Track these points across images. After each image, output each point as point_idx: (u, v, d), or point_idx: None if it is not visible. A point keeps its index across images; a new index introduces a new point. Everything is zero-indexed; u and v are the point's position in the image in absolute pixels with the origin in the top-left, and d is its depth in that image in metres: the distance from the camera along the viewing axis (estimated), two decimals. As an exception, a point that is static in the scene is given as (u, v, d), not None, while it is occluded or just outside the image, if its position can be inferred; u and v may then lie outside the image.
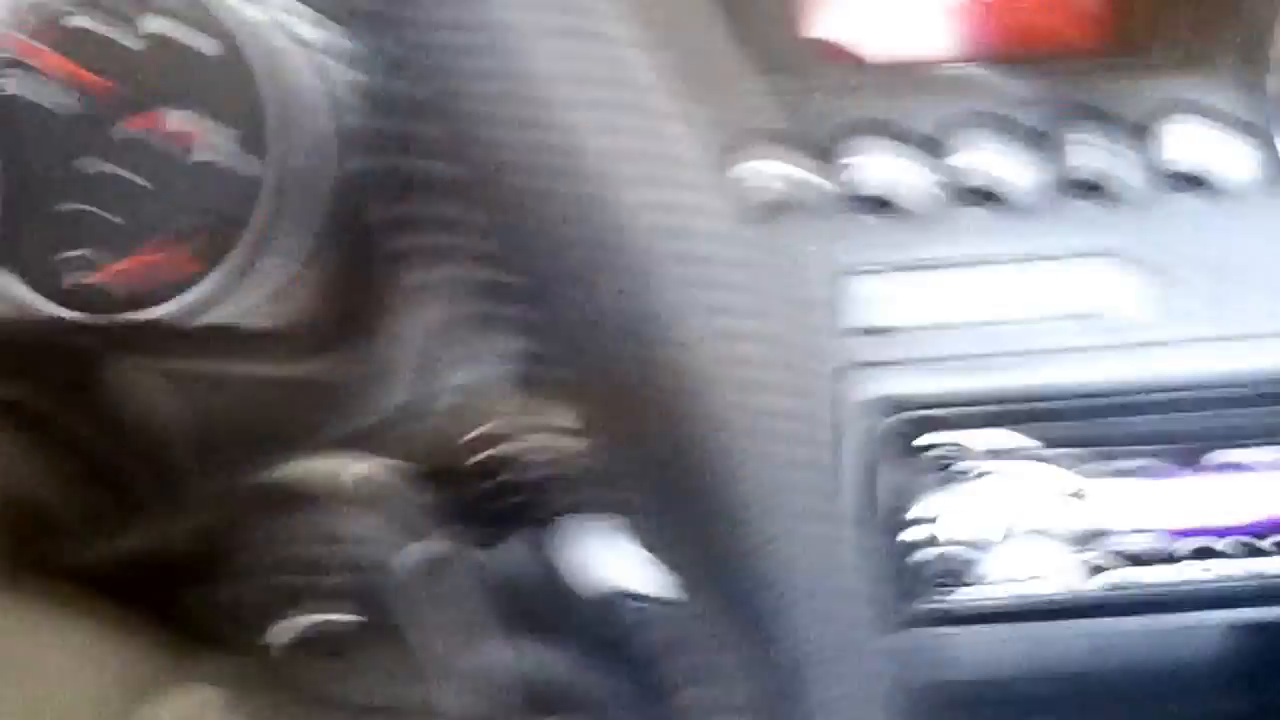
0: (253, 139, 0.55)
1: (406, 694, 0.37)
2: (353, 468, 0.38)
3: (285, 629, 0.37)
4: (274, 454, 0.40)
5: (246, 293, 0.55)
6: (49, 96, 0.55)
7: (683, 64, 0.28)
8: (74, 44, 0.55)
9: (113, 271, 0.55)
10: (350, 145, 0.55)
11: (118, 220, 0.55)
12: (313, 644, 0.37)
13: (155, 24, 0.55)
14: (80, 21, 0.55)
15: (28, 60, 0.54)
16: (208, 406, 0.51)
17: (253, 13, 0.56)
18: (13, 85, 0.54)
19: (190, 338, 0.54)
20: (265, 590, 0.37)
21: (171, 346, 0.52)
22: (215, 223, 0.55)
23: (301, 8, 0.56)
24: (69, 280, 0.55)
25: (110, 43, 0.55)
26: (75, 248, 0.55)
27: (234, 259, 0.55)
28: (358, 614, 0.37)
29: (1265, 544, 0.55)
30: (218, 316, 0.56)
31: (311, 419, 0.52)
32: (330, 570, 0.37)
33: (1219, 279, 0.53)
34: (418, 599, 0.37)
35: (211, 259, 0.55)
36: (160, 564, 0.39)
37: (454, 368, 0.51)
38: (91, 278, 0.55)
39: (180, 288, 0.54)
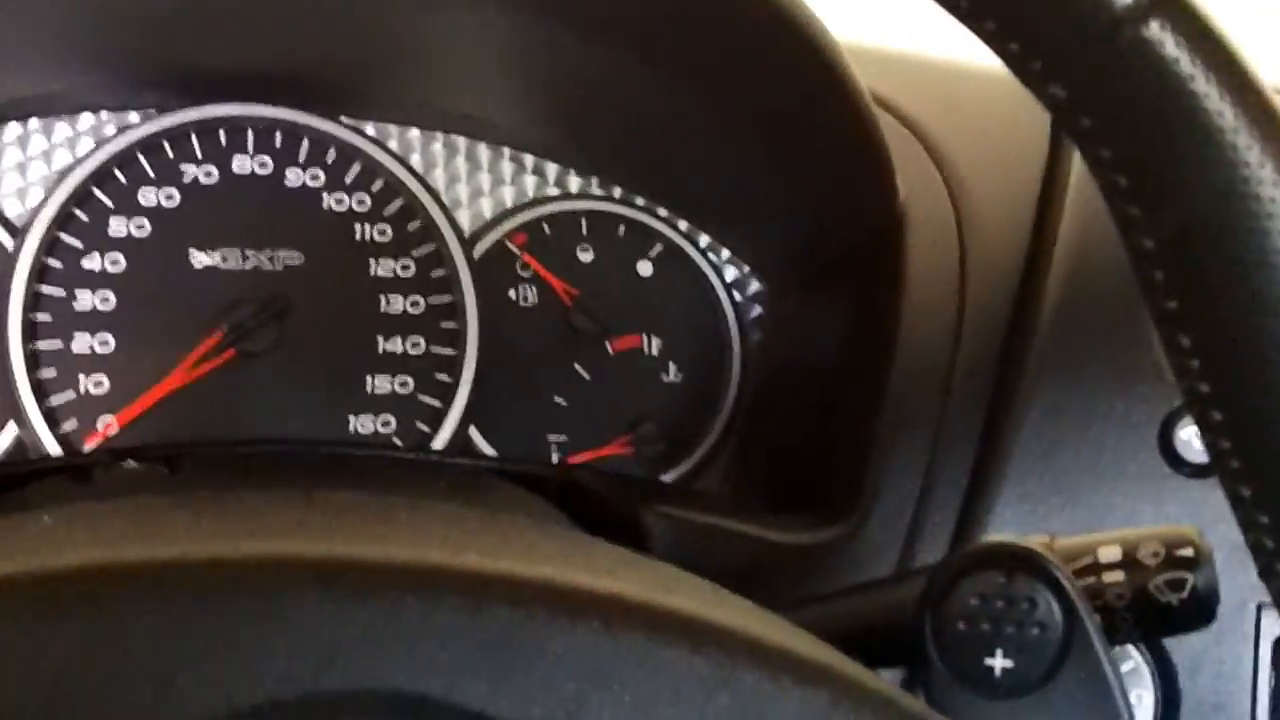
0: (674, 350, 0.62)
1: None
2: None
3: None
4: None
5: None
6: (524, 293, 0.62)
7: None
8: (543, 249, 0.62)
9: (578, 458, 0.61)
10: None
11: (585, 416, 0.61)
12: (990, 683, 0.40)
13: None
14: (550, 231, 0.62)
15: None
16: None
17: (683, 244, 0.63)
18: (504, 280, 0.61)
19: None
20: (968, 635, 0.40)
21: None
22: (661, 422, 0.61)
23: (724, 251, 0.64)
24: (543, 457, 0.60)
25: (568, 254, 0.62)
26: (550, 432, 0.60)
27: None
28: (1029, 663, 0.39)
29: None
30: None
31: (790, 579, 0.54)
32: (1016, 623, 0.40)
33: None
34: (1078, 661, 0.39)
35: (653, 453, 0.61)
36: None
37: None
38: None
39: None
